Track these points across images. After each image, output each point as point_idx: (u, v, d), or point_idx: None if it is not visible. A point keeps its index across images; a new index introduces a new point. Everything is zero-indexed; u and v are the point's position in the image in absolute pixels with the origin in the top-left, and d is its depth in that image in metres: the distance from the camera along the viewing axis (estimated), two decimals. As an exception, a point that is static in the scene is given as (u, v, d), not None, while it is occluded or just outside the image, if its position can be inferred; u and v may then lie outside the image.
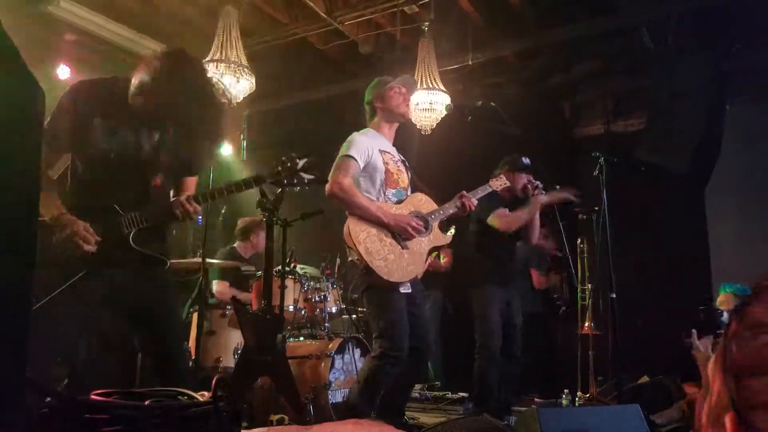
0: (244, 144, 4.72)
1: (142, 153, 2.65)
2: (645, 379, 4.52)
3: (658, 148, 5.59)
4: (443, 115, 5.19)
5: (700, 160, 5.62)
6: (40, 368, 2.29)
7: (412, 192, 3.61)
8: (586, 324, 5.58)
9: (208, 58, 4.75)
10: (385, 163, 3.45)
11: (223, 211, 5.97)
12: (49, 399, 1.06)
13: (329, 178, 3.29)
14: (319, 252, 5.16)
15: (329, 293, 4.75)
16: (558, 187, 4.58)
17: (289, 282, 4.46)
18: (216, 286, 5.16)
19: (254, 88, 4.99)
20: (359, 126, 3.59)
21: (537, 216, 4.52)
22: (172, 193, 2.81)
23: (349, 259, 3.38)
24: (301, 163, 2.82)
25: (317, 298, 4.71)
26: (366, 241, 3.22)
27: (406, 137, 6.28)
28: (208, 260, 4.47)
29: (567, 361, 5.77)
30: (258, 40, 5.93)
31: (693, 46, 5.72)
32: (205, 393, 1.27)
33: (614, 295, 3.79)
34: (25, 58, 0.94)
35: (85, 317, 2.56)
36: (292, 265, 4.72)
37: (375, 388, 3.29)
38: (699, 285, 5.66)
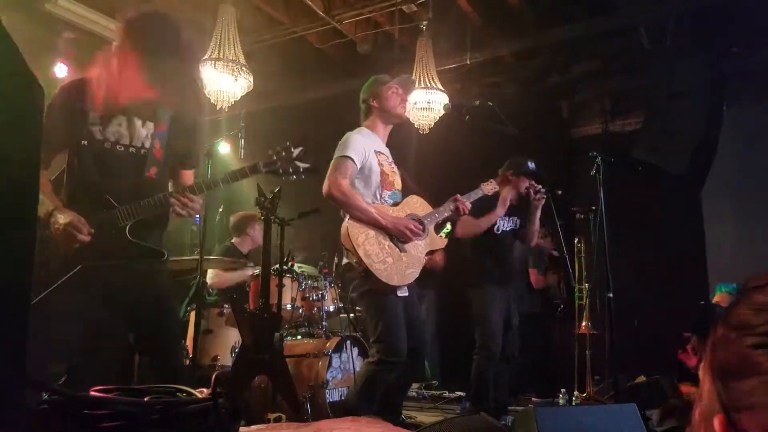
0: (242, 142, 4.70)
1: (135, 144, 2.65)
2: (642, 378, 4.52)
3: (655, 149, 5.60)
4: (441, 115, 5.19)
5: (698, 160, 5.63)
6: (38, 365, 2.29)
7: (403, 194, 3.58)
8: (583, 323, 5.58)
9: (206, 57, 4.74)
10: (380, 165, 3.42)
11: (220, 210, 5.97)
12: (48, 395, 1.06)
13: (326, 179, 3.26)
14: (316, 251, 5.16)
15: (327, 292, 4.75)
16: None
17: (286, 281, 4.46)
18: (210, 274, 5.16)
19: (252, 87, 4.98)
20: (357, 125, 3.56)
21: (537, 218, 4.55)
22: (171, 186, 2.81)
23: (345, 261, 3.35)
24: (296, 151, 2.82)
25: (315, 297, 4.71)
26: (365, 244, 3.17)
27: (404, 137, 6.31)
28: (209, 257, 4.48)
29: (564, 361, 5.78)
30: (256, 38, 5.92)
31: (691, 47, 5.73)
32: (204, 390, 1.28)
33: (611, 295, 3.79)
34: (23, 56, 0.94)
35: (81, 313, 2.55)
36: (290, 263, 4.72)
37: (373, 392, 3.28)
38: (696, 285, 5.68)
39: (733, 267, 5.39)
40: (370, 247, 3.17)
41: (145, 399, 1.12)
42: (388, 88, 3.51)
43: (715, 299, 4.94)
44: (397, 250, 3.28)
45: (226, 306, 4.60)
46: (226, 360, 4.44)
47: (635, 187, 5.59)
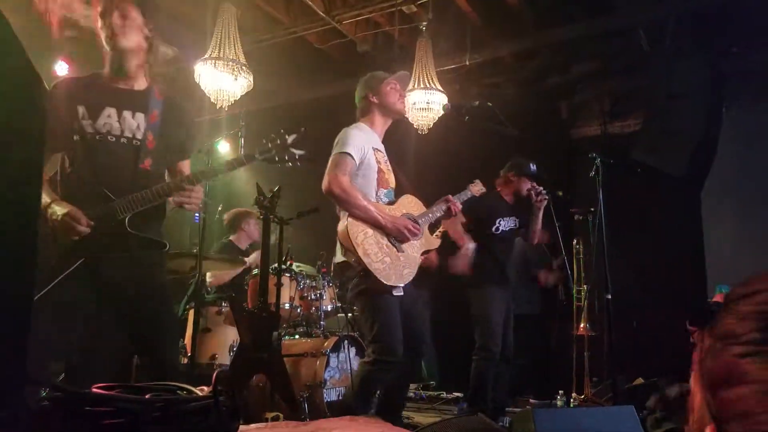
0: (242, 141, 4.71)
1: (126, 135, 2.65)
2: (640, 380, 4.53)
3: (655, 149, 5.60)
4: (440, 115, 5.19)
5: (697, 161, 5.64)
6: (37, 362, 2.28)
7: (396, 192, 3.55)
8: (582, 325, 5.59)
9: (206, 56, 4.74)
10: (378, 162, 3.40)
11: (219, 208, 5.97)
12: (50, 391, 1.06)
13: (326, 175, 3.22)
14: (315, 250, 5.16)
15: (325, 291, 4.76)
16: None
17: (285, 280, 4.47)
18: (209, 277, 5.17)
19: (252, 86, 4.98)
20: (357, 124, 3.55)
21: (540, 219, 4.57)
22: (167, 177, 2.81)
23: (341, 259, 3.28)
24: (290, 138, 2.82)
25: (313, 296, 4.72)
26: (364, 243, 3.13)
27: (402, 137, 6.31)
28: (210, 258, 4.48)
29: (562, 362, 5.79)
30: (256, 38, 5.92)
31: (690, 47, 5.73)
32: (204, 388, 1.28)
33: (610, 296, 3.80)
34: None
35: (81, 310, 2.56)
36: (288, 263, 4.73)
37: (369, 392, 3.27)
38: (695, 286, 5.68)
39: (733, 268, 5.39)
40: (369, 247, 3.14)
41: (146, 396, 1.13)
42: (387, 84, 3.48)
43: (715, 300, 4.94)
44: (395, 249, 3.26)
45: (225, 304, 4.61)
46: (224, 359, 4.45)
47: (634, 188, 5.60)
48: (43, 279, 2.30)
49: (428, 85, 5.18)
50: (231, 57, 4.72)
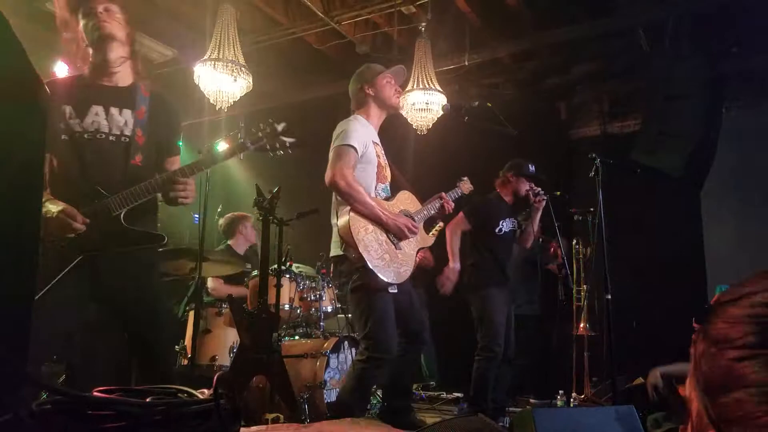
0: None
1: (115, 132, 2.65)
2: (640, 380, 4.52)
3: (654, 150, 5.61)
4: (439, 116, 5.20)
5: (697, 162, 5.64)
6: (36, 363, 2.28)
7: (391, 187, 3.53)
8: (581, 325, 5.59)
9: (205, 57, 4.74)
10: (377, 156, 3.37)
11: (219, 209, 5.97)
12: (51, 394, 1.07)
13: (329, 168, 3.17)
14: (314, 251, 5.16)
15: (325, 292, 4.76)
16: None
17: (284, 281, 4.47)
18: (211, 282, 5.16)
19: (251, 88, 4.98)
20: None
21: (537, 220, 4.59)
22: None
23: (337, 253, 3.24)
24: (280, 127, 2.82)
25: (313, 297, 4.72)
26: (365, 239, 3.11)
27: (402, 137, 6.31)
28: (210, 260, 4.48)
29: (562, 362, 5.78)
30: (255, 39, 5.92)
31: (690, 48, 5.73)
32: (205, 390, 1.28)
33: (609, 296, 3.80)
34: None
35: (80, 308, 2.55)
36: (288, 264, 4.73)
37: (365, 390, 3.27)
38: (694, 286, 5.68)
39: (732, 268, 5.39)
40: (369, 243, 3.13)
41: (147, 400, 1.13)
42: (383, 78, 3.46)
43: (714, 300, 4.94)
44: (393, 247, 3.25)
45: (225, 306, 4.60)
46: (225, 360, 4.45)
47: (634, 189, 5.60)
48: (40, 279, 2.29)
49: (427, 86, 5.19)
50: (230, 58, 4.73)
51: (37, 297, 2.16)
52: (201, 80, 4.80)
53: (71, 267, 2.41)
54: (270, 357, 3.53)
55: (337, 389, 4.08)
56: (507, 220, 4.59)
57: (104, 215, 2.52)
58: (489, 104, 3.97)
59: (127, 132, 2.67)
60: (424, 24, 5.41)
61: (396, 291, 3.22)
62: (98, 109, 2.64)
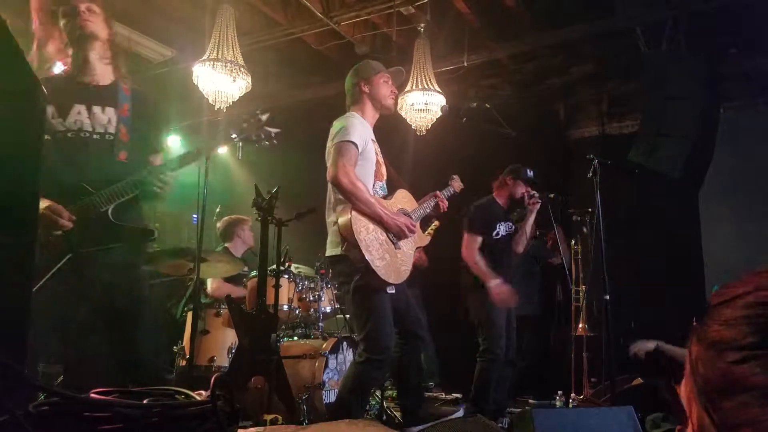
0: (240, 144, 4.69)
1: (98, 130, 2.66)
2: (639, 381, 4.53)
3: (652, 151, 5.61)
4: (438, 116, 5.19)
5: (695, 162, 5.64)
6: (31, 364, 2.28)
7: (387, 185, 3.50)
8: (580, 325, 5.60)
9: (204, 57, 4.74)
10: (375, 153, 3.34)
11: (218, 210, 5.96)
12: (47, 396, 1.06)
13: (332, 164, 3.11)
14: (313, 251, 5.16)
15: (323, 293, 4.76)
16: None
17: (283, 281, 4.46)
18: (210, 283, 5.16)
19: (250, 88, 4.98)
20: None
21: (530, 223, 4.60)
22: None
23: (336, 252, 3.17)
24: (264, 117, 2.82)
25: (311, 298, 4.71)
26: (366, 239, 3.07)
27: (401, 138, 6.31)
28: (208, 260, 4.48)
29: (561, 363, 5.79)
30: (254, 39, 5.92)
31: (688, 50, 5.74)
32: (203, 392, 1.28)
33: (608, 297, 3.80)
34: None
35: (70, 306, 2.54)
36: (287, 264, 4.72)
37: (364, 392, 3.26)
38: (693, 287, 5.69)
39: (731, 268, 5.39)
40: (370, 243, 3.08)
41: (144, 401, 1.13)
42: (380, 77, 3.42)
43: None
44: (393, 246, 3.22)
45: (223, 306, 4.60)
46: (223, 361, 4.44)
47: (632, 189, 5.61)
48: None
49: (426, 87, 5.19)
50: (229, 58, 4.73)
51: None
52: (200, 80, 4.79)
53: (61, 264, 2.41)
54: (268, 358, 3.53)
55: (336, 390, 4.08)
56: (503, 223, 4.59)
57: (91, 212, 2.52)
58: (487, 105, 3.98)
59: (111, 130, 2.67)
60: (423, 25, 5.41)
61: (394, 291, 3.21)
62: (80, 108, 2.65)
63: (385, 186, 3.44)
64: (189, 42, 5.77)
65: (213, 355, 4.46)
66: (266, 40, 6.00)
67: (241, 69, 4.79)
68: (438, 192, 3.62)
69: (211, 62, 4.72)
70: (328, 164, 3.18)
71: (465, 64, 6.06)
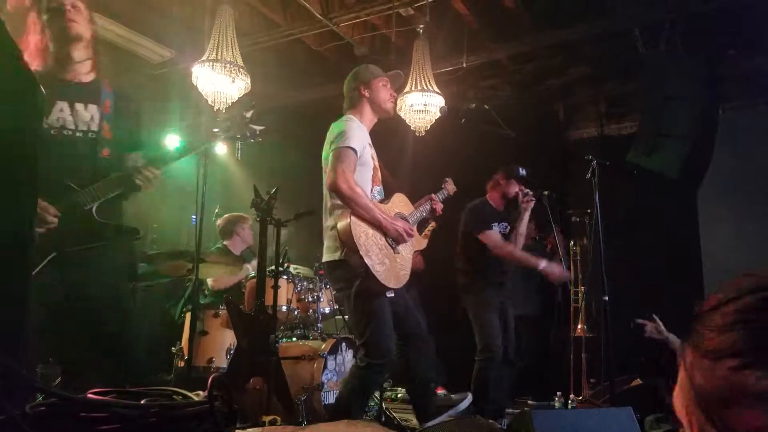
0: (239, 144, 4.69)
1: (81, 128, 2.65)
2: (638, 381, 4.53)
3: (651, 151, 5.61)
4: (437, 117, 5.19)
5: (693, 163, 5.64)
6: (30, 364, 2.27)
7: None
8: (579, 326, 5.60)
9: (204, 58, 4.74)
10: (372, 158, 3.33)
11: (216, 210, 5.96)
12: (45, 397, 1.06)
13: (331, 170, 3.09)
14: (312, 252, 5.15)
15: (322, 294, 4.75)
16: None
17: (282, 282, 4.45)
18: (210, 280, 5.17)
19: (249, 89, 4.98)
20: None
21: (524, 222, 4.60)
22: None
23: (336, 258, 3.16)
24: (248, 114, 2.82)
25: (310, 299, 4.71)
26: (366, 244, 3.06)
27: (400, 139, 6.32)
28: (207, 261, 4.47)
29: (560, 364, 5.79)
30: (253, 40, 5.92)
31: (686, 50, 5.74)
32: (201, 392, 1.28)
33: (607, 297, 3.80)
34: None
35: (54, 303, 2.52)
36: (286, 265, 4.72)
37: (367, 395, 3.26)
38: (692, 287, 5.69)
39: (729, 269, 5.39)
40: (370, 248, 3.08)
41: (142, 402, 1.12)
42: (379, 81, 3.42)
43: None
44: (392, 251, 3.22)
45: (222, 307, 4.60)
46: (222, 362, 4.43)
47: (631, 190, 5.61)
48: None
49: (425, 88, 5.19)
50: (228, 59, 4.72)
51: None
52: (199, 81, 4.79)
53: (45, 263, 2.40)
54: (267, 359, 3.53)
55: (335, 391, 4.08)
56: (497, 224, 4.60)
57: (75, 209, 2.51)
58: (486, 106, 3.98)
59: (94, 127, 2.67)
60: (422, 26, 5.41)
61: (393, 295, 3.21)
62: (63, 105, 2.63)
63: (382, 190, 3.43)
64: (188, 43, 5.77)
65: (212, 356, 4.46)
66: (265, 41, 6.00)
67: (241, 70, 4.79)
68: (433, 195, 3.63)
69: (211, 63, 4.71)
70: (327, 169, 3.18)
71: (464, 65, 6.07)
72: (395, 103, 3.62)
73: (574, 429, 2.64)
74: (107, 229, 2.57)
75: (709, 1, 5.20)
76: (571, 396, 5.08)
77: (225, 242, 5.56)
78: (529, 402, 5.74)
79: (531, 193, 4.55)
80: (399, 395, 5.80)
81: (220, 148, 6.60)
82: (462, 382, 4.57)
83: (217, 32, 4.77)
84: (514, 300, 4.81)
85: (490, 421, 3.54)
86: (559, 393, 5.13)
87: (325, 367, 4.11)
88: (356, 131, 3.22)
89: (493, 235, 4.50)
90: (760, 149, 5.85)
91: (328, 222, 3.25)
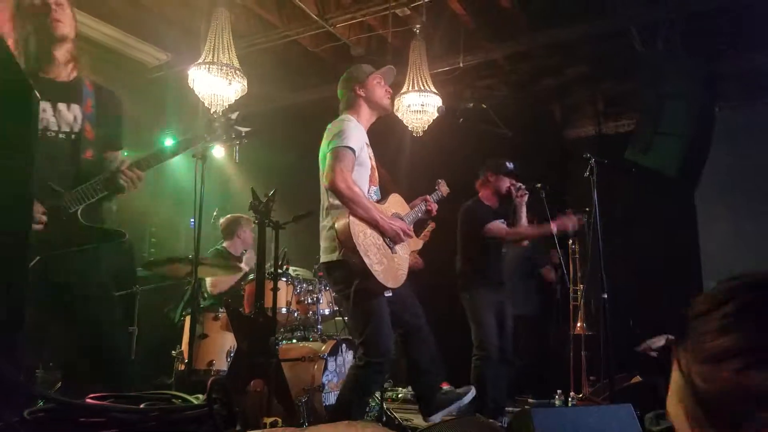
0: (237, 147, 4.69)
1: (64, 129, 2.62)
2: (637, 379, 4.53)
3: (648, 150, 5.62)
4: (435, 117, 5.19)
5: (691, 161, 5.65)
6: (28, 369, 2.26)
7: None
8: (579, 324, 5.60)
9: (200, 60, 4.73)
10: (369, 158, 3.33)
11: (215, 213, 5.96)
12: (44, 402, 1.06)
13: (329, 170, 3.08)
14: (311, 254, 5.15)
15: (322, 295, 4.74)
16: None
17: (281, 284, 4.45)
18: (209, 282, 5.17)
19: (246, 91, 4.98)
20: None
21: (523, 216, 4.60)
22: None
23: (334, 258, 3.15)
24: (234, 116, 2.82)
25: (310, 300, 4.70)
26: (364, 244, 3.06)
27: (397, 140, 6.31)
28: (206, 264, 4.47)
29: (560, 362, 5.79)
30: (250, 42, 5.92)
31: (683, 49, 5.75)
32: (200, 396, 1.27)
33: (606, 296, 3.81)
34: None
35: (39, 307, 2.50)
36: (285, 267, 4.71)
37: (366, 395, 3.26)
38: (690, 285, 5.69)
39: (727, 267, 5.40)
40: (368, 248, 3.08)
41: (141, 406, 1.12)
42: (374, 78, 3.41)
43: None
44: (389, 251, 3.22)
45: (221, 310, 4.59)
46: (222, 364, 4.43)
47: (629, 189, 5.62)
48: None
49: (422, 88, 5.19)
50: (225, 61, 4.72)
51: None
52: (195, 84, 4.79)
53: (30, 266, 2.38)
54: (267, 361, 3.52)
55: (336, 392, 4.08)
56: (492, 222, 4.59)
57: (60, 213, 2.49)
58: (484, 105, 3.97)
59: (77, 128, 2.64)
60: (418, 26, 5.41)
61: (390, 294, 3.21)
62: (45, 105, 2.59)
63: (378, 191, 3.43)
64: (184, 45, 5.77)
65: (212, 359, 4.45)
66: (262, 43, 6.00)
67: (237, 72, 4.79)
68: (428, 196, 3.63)
69: (207, 65, 4.71)
70: (325, 169, 3.16)
71: (461, 65, 6.07)
72: (392, 99, 3.61)
73: (575, 427, 2.64)
74: (93, 232, 2.54)
75: (709, 1, 5.20)
76: (571, 394, 5.09)
77: (225, 243, 5.55)
78: (530, 400, 5.74)
79: (524, 186, 4.54)
80: (400, 395, 5.80)
81: (218, 151, 6.61)
82: (462, 382, 4.56)
83: (214, 35, 4.77)
84: (514, 300, 4.81)
85: (491, 420, 3.54)
86: (559, 391, 5.14)
87: (325, 368, 4.11)
88: (354, 131, 3.21)
89: (498, 225, 4.50)
90: (758, 148, 5.86)
91: (324, 222, 3.25)
